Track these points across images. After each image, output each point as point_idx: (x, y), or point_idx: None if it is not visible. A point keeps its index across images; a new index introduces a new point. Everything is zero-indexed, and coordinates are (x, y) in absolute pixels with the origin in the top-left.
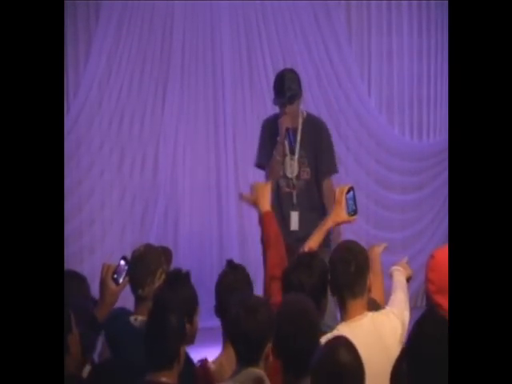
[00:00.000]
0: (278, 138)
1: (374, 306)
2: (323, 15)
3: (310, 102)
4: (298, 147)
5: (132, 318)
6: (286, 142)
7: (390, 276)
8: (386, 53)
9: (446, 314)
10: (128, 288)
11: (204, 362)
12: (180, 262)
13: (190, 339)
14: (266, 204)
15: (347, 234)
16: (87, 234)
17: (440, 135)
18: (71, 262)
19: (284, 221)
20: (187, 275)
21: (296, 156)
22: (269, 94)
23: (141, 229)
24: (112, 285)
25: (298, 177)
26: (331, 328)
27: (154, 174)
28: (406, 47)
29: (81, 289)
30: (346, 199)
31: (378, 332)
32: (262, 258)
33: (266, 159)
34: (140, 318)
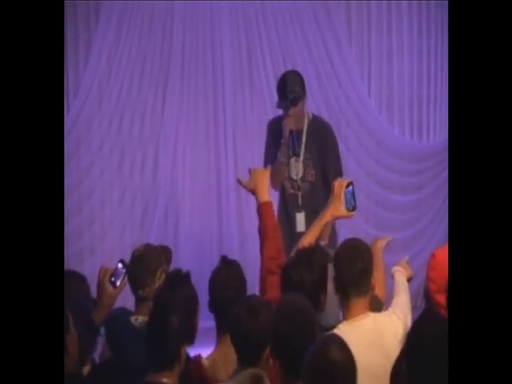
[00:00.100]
0: (282, 140)
1: (376, 303)
2: (323, 15)
3: (310, 102)
4: (303, 149)
5: (132, 318)
6: (290, 144)
7: (392, 277)
8: (386, 53)
9: (446, 312)
10: (128, 288)
11: (197, 358)
12: (180, 261)
13: (191, 339)
14: (265, 193)
15: (347, 234)
16: (87, 234)
17: (440, 135)
18: (71, 262)
19: (289, 222)
20: (187, 275)
21: (301, 158)
22: (269, 93)
23: (141, 229)
24: (110, 288)
25: (302, 179)
26: (333, 327)
27: (154, 174)
28: (406, 47)
29: (81, 289)
30: (345, 194)
31: (379, 333)
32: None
33: (271, 161)
34: (140, 318)
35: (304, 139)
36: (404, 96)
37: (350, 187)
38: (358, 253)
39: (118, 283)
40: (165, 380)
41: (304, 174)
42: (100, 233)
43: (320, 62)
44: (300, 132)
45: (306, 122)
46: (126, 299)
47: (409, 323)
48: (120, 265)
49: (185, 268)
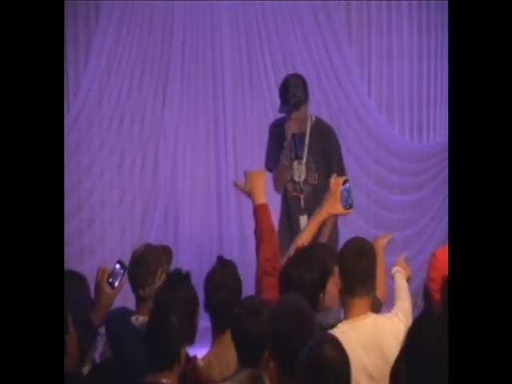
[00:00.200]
0: (285, 143)
1: (375, 303)
2: (323, 15)
3: (310, 102)
4: (306, 152)
5: (133, 318)
6: (292, 148)
7: (392, 278)
8: (386, 53)
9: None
10: (128, 288)
11: (193, 358)
12: (180, 262)
13: (191, 339)
14: (261, 195)
15: (347, 234)
16: (87, 234)
17: (440, 135)
18: (71, 262)
19: (291, 225)
20: (187, 275)
21: (304, 160)
22: (269, 93)
23: (141, 229)
24: (107, 288)
25: (305, 181)
26: (332, 326)
27: (154, 174)
28: (406, 47)
29: (81, 289)
30: (342, 191)
31: (378, 334)
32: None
33: (273, 163)
34: (141, 317)
35: (307, 142)
36: (404, 96)
37: (347, 184)
38: (364, 251)
39: (116, 284)
40: (164, 380)
41: (307, 176)
42: (100, 233)
43: (320, 62)
44: (303, 135)
45: (308, 124)
46: (126, 299)
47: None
48: (118, 265)
49: (185, 268)
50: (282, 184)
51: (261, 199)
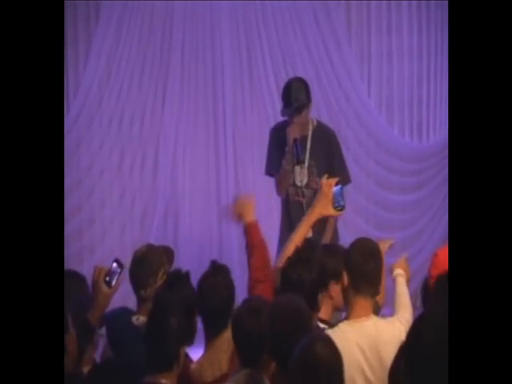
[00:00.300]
0: (287, 148)
1: (374, 305)
2: (323, 15)
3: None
4: (308, 156)
5: (134, 318)
6: (294, 153)
7: (393, 280)
8: (386, 53)
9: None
10: (128, 288)
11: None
12: (180, 262)
13: (190, 340)
14: (251, 215)
15: (347, 235)
16: (87, 234)
17: (440, 135)
18: (71, 262)
19: (293, 229)
20: (187, 275)
21: (306, 165)
22: (268, 94)
23: (141, 229)
24: (104, 288)
25: (307, 185)
26: (333, 325)
27: (154, 174)
28: (405, 47)
29: (81, 289)
30: (333, 192)
31: (377, 337)
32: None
33: (275, 168)
34: (142, 318)
35: (309, 146)
36: (404, 96)
37: (339, 186)
38: (371, 252)
39: (113, 283)
40: (163, 381)
41: (308, 181)
42: (100, 233)
43: (320, 62)
44: (304, 139)
45: (310, 128)
46: (126, 299)
47: None
48: (115, 264)
49: (184, 268)
50: (284, 188)
51: (250, 217)
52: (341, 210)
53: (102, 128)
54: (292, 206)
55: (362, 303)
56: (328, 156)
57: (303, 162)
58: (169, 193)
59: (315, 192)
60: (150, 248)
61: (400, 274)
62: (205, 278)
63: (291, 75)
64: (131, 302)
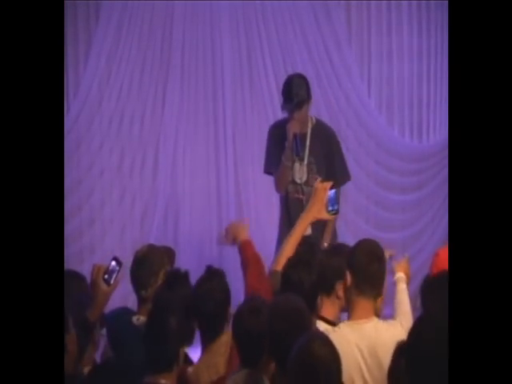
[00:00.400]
0: (286, 144)
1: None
2: (323, 15)
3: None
4: (307, 153)
5: (134, 318)
6: (294, 148)
7: (394, 283)
8: (386, 53)
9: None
10: (129, 288)
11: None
12: (180, 261)
13: (189, 340)
14: (244, 235)
15: (347, 235)
16: (87, 234)
17: (440, 135)
18: (71, 262)
19: (292, 226)
20: (186, 275)
21: (305, 162)
22: (268, 93)
23: (141, 229)
24: (103, 285)
25: (307, 183)
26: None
27: (154, 174)
28: (406, 47)
29: (81, 288)
30: (328, 196)
31: (377, 340)
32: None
33: (274, 166)
34: (142, 318)
35: (308, 143)
36: (404, 96)
37: (333, 190)
38: (376, 254)
39: (112, 281)
40: (163, 381)
41: (308, 178)
42: (100, 233)
43: (320, 62)
44: (304, 136)
45: (309, 125)
46: (126, 299)
47: None
48: (113, 262)
49: (185, 268)
50: (283, 185)
51: (244, 237)
52: (335, 214)
53: (102, 128)
54: (291, 204)
55: (364, 304)
56: (328, 154)
57: (302, 160)
58: (169, 193)
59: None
60: (152, 248)
61: (401, 279)
62: (200, 282)
63: None
64: (131, 302)
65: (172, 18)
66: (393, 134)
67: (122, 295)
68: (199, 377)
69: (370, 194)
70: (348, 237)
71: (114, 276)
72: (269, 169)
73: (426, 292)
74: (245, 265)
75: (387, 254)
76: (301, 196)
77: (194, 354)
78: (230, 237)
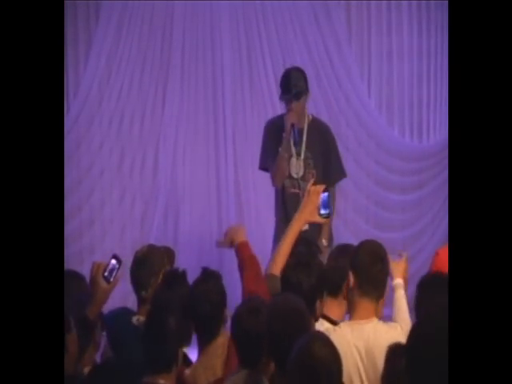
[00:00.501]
0: (284, 134)
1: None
2: (323, 15)
3: (310, 102)
4: (304, 148)
5: (134, 319)
6: (291, 139)
7: (393, 289)
8: (386, 53)
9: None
10: (129, 288)
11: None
12: (180, 262)
13: (187, 340)
14: (241, 237)
15: (347, 234)
16: (87, 234)
17: (440, 135)
18: (71, 262)
19: (288, 222)
20: (183, 274)
21: (302, 157)
22: (269, 93)
23: (141, 229)
24: (103, 283)
25: (303, 178)
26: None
27: (154, 174)
28: (406, 47)
29: (81, 288)
30: (321, 199)
31: (375, 341)
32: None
33: (270, 160)
34: (142, 318)
35: (305, 138)
36: (404, 96)
37: (326, 193)
38: (379, 255)
39: (112, 279)
40: (162, 381)
41: (304, 173)
42: (100, 233)
43: (320, 62)
44: (300, 131)
45: (306, 121)
46: (125, 299)
47: None
48: (113, 260)
49: (185, 268)
50: (280, 178)
51: (241, 238)
52: (327, 218)
53: (102, 128)
54: (288, 198)
55: (366, 305)
56: (324, 152)
57: (299, 154)
58: (169, 193)
59: None
60: (152, 248)
61: (399, 286)
62: (196, 284)
63: None
64: (131, 303)
65: (172, 18)
66: (393, 134)
67: (122, 295)
68: (196, 379)
69: (370, 193)
70: (348, 237)
71: (114, 274)
72: (265, 164)
73: (424, 291)
74: (241, 267)
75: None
76: (297, 190)
77: (193, 354)
78: (228, 239)
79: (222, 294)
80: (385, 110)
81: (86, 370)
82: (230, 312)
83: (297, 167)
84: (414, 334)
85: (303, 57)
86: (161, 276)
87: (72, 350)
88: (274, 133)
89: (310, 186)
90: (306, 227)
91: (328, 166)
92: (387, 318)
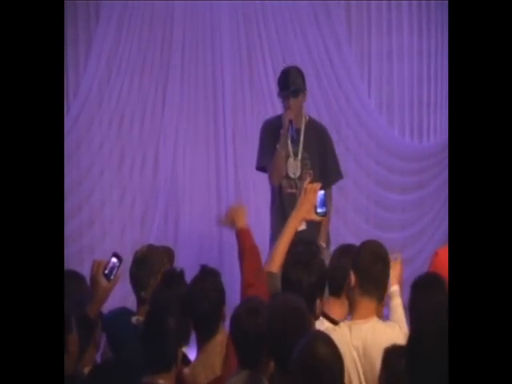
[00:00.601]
0: (281, 131)
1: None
2: (323, 15)
3: (310, 102)
4: (301, 148)
5: (134, 319)
6: (289, 136)
7: (389, 296)
8: (386, 53)
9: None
10: (128, 287)
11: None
12: (180, 262)
13: (186, 339)
14: (242, 221)
15: (347, 234)
16: (87, 235)
17: (440, 136)
18: (71, 262)
19: (285, 221)
20: (181, 274)
21: (299, 157)
22: (269, 93)
23: (141, 229)
24: (103, 281)
25: (300, 178)
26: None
27: (154, 174)
28: (406, 47)
29: (80, 289)
30: (317, 198)
31: (373, 340)
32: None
33: (267, 159)
34: (142, 319)
35: (302, 139)
36: (404, 96)
37: (322, 192)
38: (380, 254)
39: (112, 276)
40: (161, 381)
41: (301, 173)
42: (100, 233)
43: (320, 62)
44: (298, 131)
45: (303, 121)
46: (125, 299)
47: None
48: (114, 258)
49: (185, 269)
50: (278, 176)
51: (241, 223)
52: (323, 216)
53: (102, 128)
54: (285, 198)
55: (366, 304)
56: (321, 151)
57: (296, 155)
58: (169, 193)
59: None
60: (151, 248)
61: (396, 294)
62: (194, 282)
63: None
64: (130, 303)
65: (172, 18)
66: (393, 134)
67: (122, 295)
68: (196, 377)
69: (370, 193)
70: (348, 237)
71: (115, 272)
72: (262, 163)
73: (418, 291)
74: (241, 256)
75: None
76: (294, 190)
77: (192, 354)
78: (229, 220)
79: (220, 292)
80: (385, 110)
81: (86, 370)
82: (229, 310)
83: (294, 167)
84: (413, 335)
85: (303, 57)
86: (160, 276)
87: (72, 350)
88: (272, 132)
89: (306, 184)
90: (304, 227)
91: (325, 167)
92: (387, 318)
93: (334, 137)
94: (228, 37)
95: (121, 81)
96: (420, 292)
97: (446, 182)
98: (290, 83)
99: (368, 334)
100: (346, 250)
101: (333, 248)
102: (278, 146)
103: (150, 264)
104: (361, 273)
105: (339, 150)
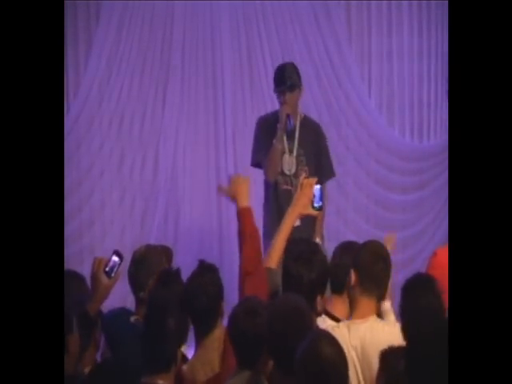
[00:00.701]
0: (278, 125)
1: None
2: (323, 15)
3: (310, 102)
4: (296, 145)
5: (133, 319)
6: (286, 127)
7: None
8: (386, 53)
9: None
10: (127, 289)
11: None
12: (180, 261)
13: (184, 338)
14: (245, 199)
15: (347, 234)
16: (87, 235)
17: (440, 136)
18: (71, 263)
19: (281, 218)
20: (177, 273)
21: (294, 154)
22: (269, 93)
23: (141, 229)
24: (104, 279)
25: (295, 175)
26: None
27: (154, 174)
28: (406, 47)
29: (80, 289)
30: (313, 192)
31: (372, 339)
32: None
33: (263, 155)
34: (140, 319)
35: (297, 135)
36: (404, 96)
37: (318, 186)
38: (381, 254)
39: (113, 274)
40: (161, 382)
41: (297, 170)
42: (100, 233)
43: (320, 62)
44: (293, 129)
45: (298, 119)
46: (125, 299)
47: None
48: (115, 256)
49: (184, 268)
50: (273, 171)
51: (244, 202)
52: (319, 210)
53: (102, 129)
54: (281, 195)
55: (367, 303)
56: (315, 148)
57: (292, 151)
58: (169, 193)
59: None
60: (149, 248)
61: (389, 311)
62: (192, 277)
63: None
64: (129, 303)
65: (172, 18)
66: (393, 134)
67: (121, 296)
68: (195, 374)
69: (371, 193)
70: (348, 237)
71: (115, 269)
72: (257, 159)
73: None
74: (242, 238)
75: (391, 241)
76: (290, 187)
77: (190, 353)
78: (230, 191)
79: (218, 287)
80: (385, 109)
81: (87, 370)
82: (227, 307)
83: (289, 164)
84: (413, 335)
85: (303, 57)
86: None
87: (73, 351)
88: (267, 128)
89: (302, 179)
90: (298, 223)
91: (318, 164)
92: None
93: (334, 136)
94: (228, 37)
95: (121, 81)
96: (411, 294)
97: (446, 182)
98: (287, 78)
99: (366, 334)
100: (347, 247)
101: (327, 244)
102: (274, 140)
103: (149, 264)
104: (361, 271)
105: (339, 149)
